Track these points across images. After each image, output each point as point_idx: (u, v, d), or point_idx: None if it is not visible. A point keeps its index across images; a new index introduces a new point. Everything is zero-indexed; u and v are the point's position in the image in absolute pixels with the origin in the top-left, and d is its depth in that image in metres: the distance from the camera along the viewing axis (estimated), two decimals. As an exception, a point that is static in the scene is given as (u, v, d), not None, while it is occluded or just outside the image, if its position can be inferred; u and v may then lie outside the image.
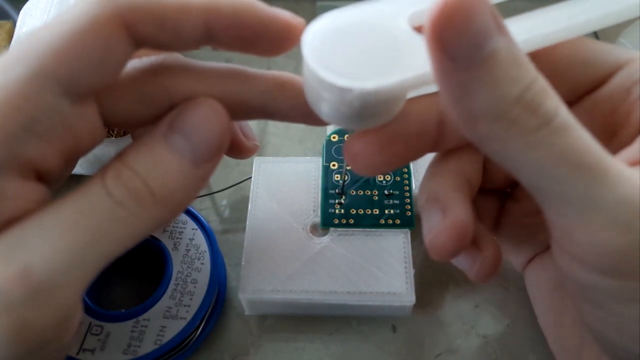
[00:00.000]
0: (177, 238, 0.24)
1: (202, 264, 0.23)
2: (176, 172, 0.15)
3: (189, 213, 0.24)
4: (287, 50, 0.16)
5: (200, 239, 0.24)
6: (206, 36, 0.15)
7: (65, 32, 0.13)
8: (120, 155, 0.15)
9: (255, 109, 0.17)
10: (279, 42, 0.16)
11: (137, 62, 0.16)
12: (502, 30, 0.12)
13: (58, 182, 0.15)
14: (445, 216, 0.16)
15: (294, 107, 0.17)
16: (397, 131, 0.15)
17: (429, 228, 0.16)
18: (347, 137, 0.24)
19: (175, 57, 0.16)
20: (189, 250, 0.23)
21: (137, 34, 0.14)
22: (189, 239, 0.24)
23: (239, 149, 0.20)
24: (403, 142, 0.16)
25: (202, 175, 0.15)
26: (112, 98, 0.15)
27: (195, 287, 0.22)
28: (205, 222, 0.24)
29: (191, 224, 0.24)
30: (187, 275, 0.22)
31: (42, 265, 0.13)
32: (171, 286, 0.22)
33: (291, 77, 0.17)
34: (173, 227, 0.24)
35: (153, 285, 0.22)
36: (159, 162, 0.14)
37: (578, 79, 0.17)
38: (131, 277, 0.25)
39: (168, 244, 0.23)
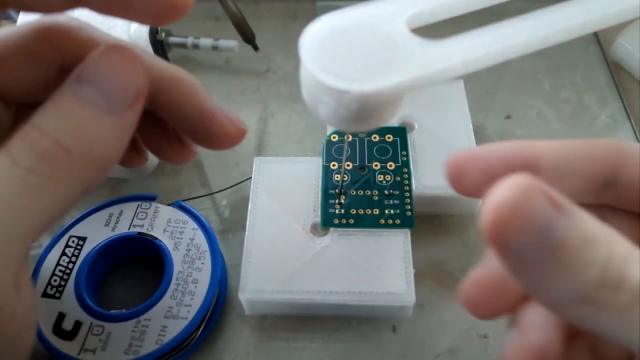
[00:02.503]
0: (177, 238, 0.24)
1: (202, 263, 0.23)
2: (91, 124, 0.13)
3: (189, 213, 0.24)
4: (170, 20, 0.14)
5: (200, 238, 0.24)
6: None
7: None
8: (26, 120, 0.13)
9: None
10: (161, 8, 0.14)
11: (25, 24, 0.15)
12: (563, 210, 0.11)
13: None
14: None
15: (184, 107, 0.16)
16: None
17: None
18: (346, 137, 0.24)
19: (70, 18, 0.15)
20: (189, 250, 0.23)
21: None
22: (190, 238, 0.24)
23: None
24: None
25: (124, 124, 0.14)
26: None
27: (196, 287, 0.22)
28: (206, 222, 0.24)
29: (191, 223, 0.24)
30: (187, 275, 0.23)
31: None
32: (172, 286, 0.22)
33: (191, 78, 0.16)
34: (174, 227, 0.24)
35: (154, 285, 0.22)
36: (69, 116, 0.13)
37: None
38: (132, 277, 0.25)
39: (169, 244, 0.23)
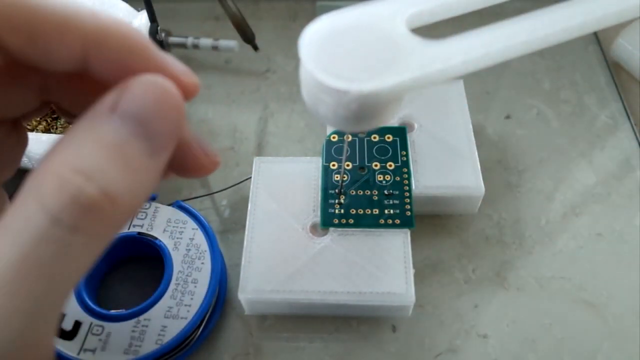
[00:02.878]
0: (177, 238, 0.24)
1: (202, 263, 0.23)
2: (139, 169, 0.11)
3: (189, 212, 0.24)
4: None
5: (200, 238, 0.24)
6: (81, 65, 0.12)
7: None
8: (53, 154, 0.11)
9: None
10: None
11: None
12: None
13: None
14: None
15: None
16: None
17: None
18: (346, 137, 0.24)
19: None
20: (189, 250, 0.23)
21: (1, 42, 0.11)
22: (190, 238, 0.24)
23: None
24: None
25: (161, 167, 0.12)
26: None
27: (195, 286, 0.22)
28: (205, 222, 0.24)
29: (191, 223, 0.24)
30: (187, 275, 0.23)
31: None
32: (172, 286, 0.22)
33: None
34: (173, 226, 0.24)
35: (154, 285, 0.22)
36: (114, 158, 0.11)
37: None
38: (132, 276, 0.25)
39: (168, 244, 0.23)
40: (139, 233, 0.24)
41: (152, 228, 0.24)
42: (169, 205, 0.25)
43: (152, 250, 0.24)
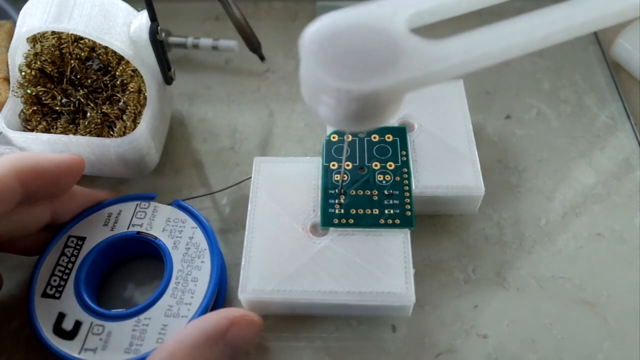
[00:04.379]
0: (176, 237, 0.24)
1: (202, 262, 0.23)
2: None
3: (188, 211, 0.24)
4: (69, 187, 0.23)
5: (199, 237, 0.24)
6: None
7: None
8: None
9: None
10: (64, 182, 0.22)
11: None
12: None
13: None
14: None
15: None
16: None
17: None
18: (346, 137, 0.24)
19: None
20: (188, 248, 0.23)
21: (28, 186, 0.21)
22: (189, 237, 0.24)
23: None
24: None
25: None
26: None
27: (196, 285, 0.22)
28: (205, 221, 0.24)
29: (190, 222, 0.24)
30: (187, 274, 0.22)
31: None
32: (172, 285, 0.22)
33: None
34: (173, 226, 0.24)
35: (154, 284, 0.22)
36: None
37: None
38: (132, 276, 0.25)
39: (168, 243, 0.23)
40: (138, 232, 0.24)
41: (151, 227, 0.24)
42: (168, 204, 0.25)
43: (151, 250, 0.24)
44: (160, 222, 0.24)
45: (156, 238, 0.24)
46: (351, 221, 0.24)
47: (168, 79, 0.28)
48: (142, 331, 0.21)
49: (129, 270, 0.25)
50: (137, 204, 0.25)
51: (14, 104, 0.27)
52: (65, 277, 0.22)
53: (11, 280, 0.25)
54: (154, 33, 0.25)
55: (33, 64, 0.26)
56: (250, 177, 0.26)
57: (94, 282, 0.24)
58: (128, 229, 0.24)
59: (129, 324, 0.21)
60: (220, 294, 0.24)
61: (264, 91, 0.33)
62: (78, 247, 0.23)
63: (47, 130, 0.26)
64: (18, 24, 0.26)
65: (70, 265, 0.23)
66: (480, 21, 0.16)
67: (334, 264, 0.23)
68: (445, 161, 0.26)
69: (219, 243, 0.24)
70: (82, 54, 0.27)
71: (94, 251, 0.23)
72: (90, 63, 0.27)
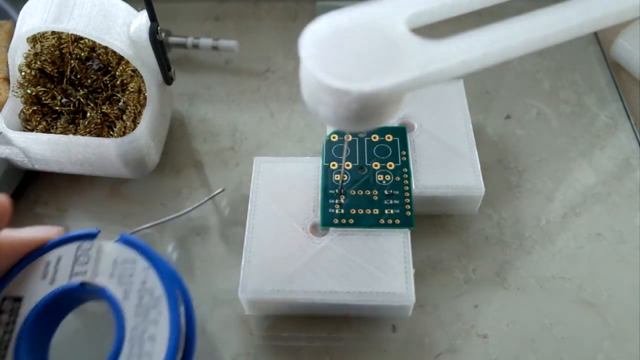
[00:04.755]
0: (127, 283, 0.19)
1: (159, 313, 0.18)
2: None
3: (138, 247, 0.19)
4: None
5: (153, 280, 0.19)
6: None
7: None
8: None
9: None
10: None
11: None
12: None
13: None
14: None
15: None
16: None
17: None
18: (346, 137, 0.24)
19: None
20: (142, 297, 0.18)
21: None
22: (141, 282, 0.19)
23: None
24: None
25: None
26: None
27: (153, 345, 0.17)
28: (158, 257, 0.19)
29: (141, 262, 0.19)
30: (142, 331, 0.18)
31: None
32: (125, 348, 0.17)
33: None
34: (122, 268, 0.19)
35: (110, 339, 0.18)
36: None
37: None
38: (84, 334, 0.22)
39: (117, 292, 0.18)
40: (82, 283, 0.19)
41: (96, 274, 0.19)
42: (114, 242, 0.20)
43: (101, 301, 0.19)
44: (107, 265, 0.19)
45: (104, 289, 0.19)
46: (351, 221, 0.24)
47: (168, 79, 0.28)
48: None
49: (80, 327, 0.22)
50: (78, 246, 0.20)
51: (14, 104, 0.27)
52: (3, 350, 0.18)
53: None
54: (153, 33, 0.25)
55: (33, 64, 0.26)
56: (250, 177, 0.26)
57: (40, 350, 0.19)
58: (70, 279, 0.19)
59: None
60: (189, 349, 0.19)
61: (264, 91, 0.33)
62: (14, 310, 0.19)
63: (47, 130, 0.26)
64: (18, 24, 0.26)
65: (7, 336, 0.18)
66: (480, 21, 0.16)
67: (334, 264, 0.23)
68: (445, 161, 0.26)
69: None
70: (82, 54, 0.27)
71: (34, 314, 0.19)
72: (90, 63, 0.27)
